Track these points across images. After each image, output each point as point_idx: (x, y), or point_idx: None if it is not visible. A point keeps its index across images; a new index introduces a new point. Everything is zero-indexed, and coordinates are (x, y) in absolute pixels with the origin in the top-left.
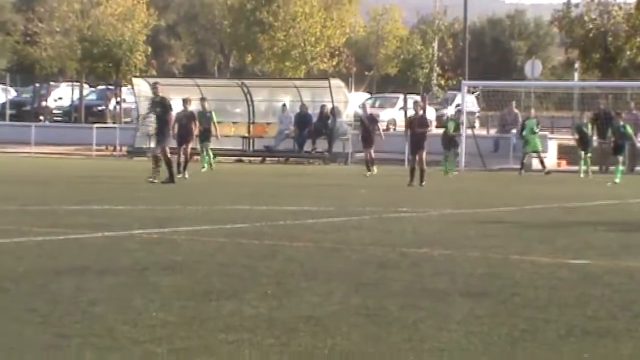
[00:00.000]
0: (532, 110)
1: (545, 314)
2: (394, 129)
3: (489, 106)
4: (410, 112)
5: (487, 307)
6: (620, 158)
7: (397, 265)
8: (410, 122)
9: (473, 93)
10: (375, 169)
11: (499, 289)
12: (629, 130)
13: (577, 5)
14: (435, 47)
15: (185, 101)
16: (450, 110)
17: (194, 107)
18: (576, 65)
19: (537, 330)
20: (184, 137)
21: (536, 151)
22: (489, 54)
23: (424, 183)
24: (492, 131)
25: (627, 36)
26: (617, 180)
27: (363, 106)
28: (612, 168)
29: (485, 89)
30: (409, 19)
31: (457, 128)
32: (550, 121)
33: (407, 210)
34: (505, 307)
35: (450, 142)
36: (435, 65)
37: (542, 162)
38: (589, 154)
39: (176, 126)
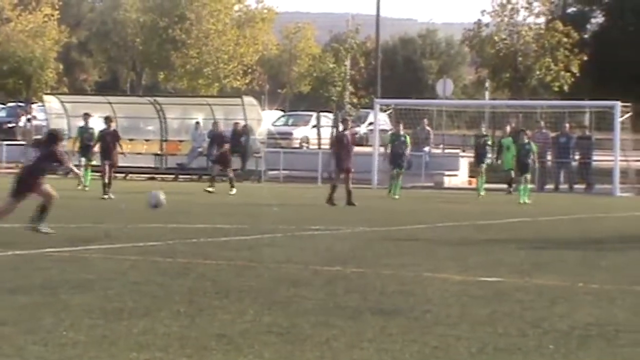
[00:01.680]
0: (507, 128)
1: (456, 331)
2: (307, 147)
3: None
4: (332, 129)
5: (399, 325)
6: (528, 177)
7: (309, 283)
8: (338, 140)
9: (385, 111)
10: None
11: (410, 307)
12: (534, 148)
13: (487, 25)
14: (348, 66)
15: (108, 119)
16: (362, 129)
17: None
18: (487, 84)
19: (448, 348)
20: (106, 155)
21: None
22: (401, 72)
23: (356, 203)
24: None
25: (537, 56)
26: (527, 200)
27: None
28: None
29: (397, 108)
30: (321, 38)
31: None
32: (461, 140)
33: (320, 228)
34: (417, 324)
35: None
36: (348, 83)
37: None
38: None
39: (98, 145)
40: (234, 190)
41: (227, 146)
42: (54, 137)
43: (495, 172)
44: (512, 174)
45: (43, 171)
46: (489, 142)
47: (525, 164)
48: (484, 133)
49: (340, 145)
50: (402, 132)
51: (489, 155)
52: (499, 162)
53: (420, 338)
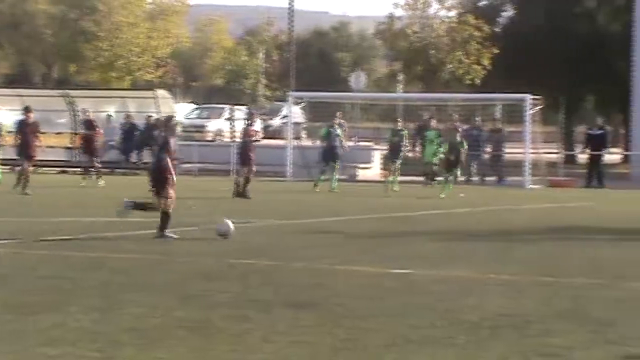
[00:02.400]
0: (433, 122)
1: (368, 323)
2: (221, 140)
3: (315, 117)
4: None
5: (311, 317)
6: (458, 173)
7: (223, 276)
8: (246, 132)
9: (299, 104)
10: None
11: (323, 299)
12: (465, 146)
13: (400, 19)
14: (262, 58)
15: (27, 109)
16: (277, 121)
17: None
18: (399, 77)
19: (359, 340)
20: (24, 149)
21: (431, 162)
22: (314, 65)
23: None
24: (319, 142)
25: (449, 49)
26: (443, 195)
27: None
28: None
29: (311, 100)
30: (235, 30)
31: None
32: (374, 132)
33: (235, 221)
34: (330, 316)
35: (333, 152)
36: (262, 76)
37: (433, 173)
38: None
39: (18, 137)
40: (102, 182)
41: (96, 134)
42: None
43: (412, 165)
44: (434, 167)
45: None
46: (405, 137)
47: (455, 160)
48: (400, 128)
49: (247, 140)
50: (336, 126)
51: (405, 149)
52: (416, 153)
53: (332, 330)
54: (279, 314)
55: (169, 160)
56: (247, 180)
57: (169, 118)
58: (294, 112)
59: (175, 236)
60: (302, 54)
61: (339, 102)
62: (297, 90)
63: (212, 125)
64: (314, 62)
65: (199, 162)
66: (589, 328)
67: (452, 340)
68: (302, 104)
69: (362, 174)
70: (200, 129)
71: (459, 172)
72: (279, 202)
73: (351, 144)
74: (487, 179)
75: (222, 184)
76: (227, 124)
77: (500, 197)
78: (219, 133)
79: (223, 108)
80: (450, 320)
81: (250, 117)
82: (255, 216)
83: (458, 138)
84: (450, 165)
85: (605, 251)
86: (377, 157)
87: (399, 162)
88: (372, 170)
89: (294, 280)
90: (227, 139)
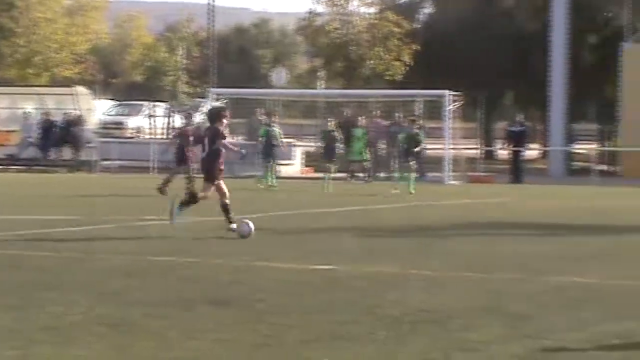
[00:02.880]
0: (361, 119)
1: (289, 319)
2: (141, 137)
3: (236, 114)
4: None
5: (232, 315)
6: (413, 165)
7: (143, 273)
8: (182, 132)
9: (220, 101)
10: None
11: (244, 296)
12: (422, 137)
13: (320, 15)
14: (182, 55)
15: None
16: (197, 118)
17: None
18: (321, 73)
19: (281, 336)
20: None
21: (359, 160)
22: (235, 62)
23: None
24: (240, 138)
25: (369, 46)
26: (413, 190)
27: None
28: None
29: (232, 97)
30: (155, 27)
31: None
32: (296, 129)
33: (154, 218)
34: (251, 313)
35: (271, 150)
36: (182, 72)
37: (364, 170)
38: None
39: None
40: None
41: None
42: None
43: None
44: (365, 164)
45: None
46: (337, 137)
47: (412, 152)
48: (332, 128)
49: (183, 139)
50: (274, 125)
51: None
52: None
53: (253, 327)
54: (199, 311)
55: (221, 149)
56: (190, 180)
57: (222, 108)
58: None
59: (183, 220)
60: (223, 50)
61: (260, 98)
62: (217, 87)
63: (132, 122)
64: (235, 58)
65: (118, 159)
66: (507, 322)
67: (374, 336)
68: (223, 101)
69: (284, 171)
70: (120, 125)
71: (414, 165)
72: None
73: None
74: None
75: (141, 181)
76: (146, 121)
77: (421, 193)
78: (138, 130)
79: (143, 105)
80: (372, 315)
81: (188, 117)
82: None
83: (415, 129)
84: (407, 156)
85: (524, 246)
86: (299, 153)
87: (335, 161)
88: (294, 167)
89: (215, 277)
90: (147, 136)
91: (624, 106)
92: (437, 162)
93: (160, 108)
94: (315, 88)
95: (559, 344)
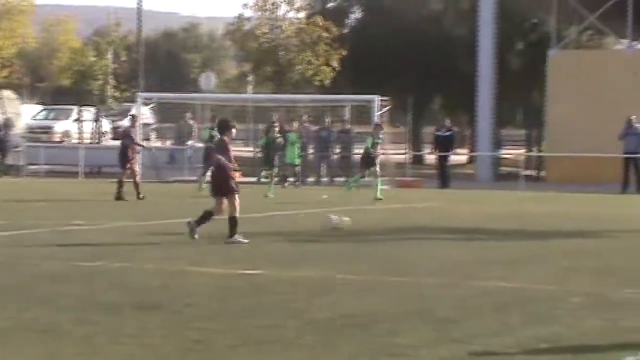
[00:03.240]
0: (295, 124)
1: (217, 324)
2: (69, 141)
3: (164, 118)
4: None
5: (160, 319)
6: (377, 169)
7: (70, 279)
8: (127, 133)
9: (148, 105)
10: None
11: (172, 301)
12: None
13: (249, 19)
14: (110, 59)
15: None
16: (125, 122)
17: None
18: (249, 78)
19: (208, 341)
20: None
21: (293, 164)
22: (164, 66)
23: (142, 195)
24: (168, 143)
25: (298, 50)
26: (380, 196)
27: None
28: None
29: (160, 101)
30: (83, 31)
31: (374, 145)
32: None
33: (83, 223)
34: (178, 318)
35: (368, 160)
36: (110, 77)
37: (295, 175)
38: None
39: None
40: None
41: None
42: None
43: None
44: (296, 169)
45: None
46: (281, 143)
47: (372, 157)
48: (277, 136)
49: (127, 139)
50: (277, 134)
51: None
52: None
53: (181, 332)
54: (127, 316)
55: (227, 161)
56: (122, 183)
57: (229, 120)
58: (143, 113)
59: (245, 240)
60: (152, 54)
61: (189, 102)
62: (146, 91)
63: (60, 126)
64: (164, 63)
65: (46, 164)
66: (434, 327)
67: (301, 341)
68: (152, 105)
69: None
70: (48, 130)
71: (377, 169)
72: (129, 203)
73: (201, 145)
74: (336, 179)
75: (69, 186)
76: (74, 125)
77: (350, 197)
78: (66, 134)
79: (71, 109)
80: (300, 320)
81: (132, 121)
82: (104, 218)
83: (381, 135)
84: (367, 163)
85: (451, 251)
86: None
87: (276, 169)
88: None
89: (142, 282)
90: (75, 141)
91: (550, 112)
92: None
93: (89, 112)
94: (244, 93)
95: (487, 348)
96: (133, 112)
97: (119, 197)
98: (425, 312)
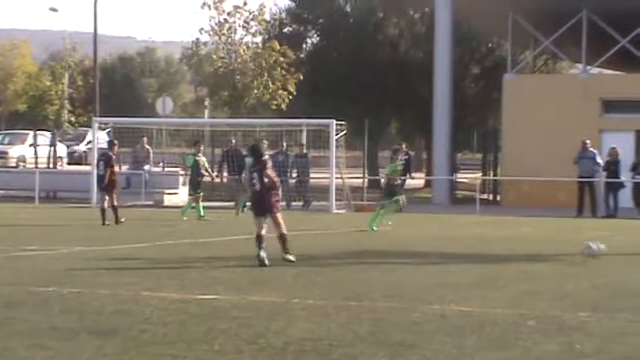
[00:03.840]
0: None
1: (174, 349)
2: (24, 166)
3: (121, 143)
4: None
5: (116, 345)
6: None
7: (24, 304)
8: (107, 159)
9: (104, 129)
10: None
11: (128, 326)
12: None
13: (206, 44)
14: (66, 84)
15: None
16: (82, 147)
17: None
18: (206, 102)
19: None
20: None
21: None
22: (120, 90)
23: (122, 220)
24: (124, 168)
25: (254, 75)
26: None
27: None
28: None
29: (116, 126)
30: (38, 55)
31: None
32: (182, 158)
33: (37, 248)
34: (134, 344)
35: (394, 189)
36: (66, 101)
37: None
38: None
39: None
40: None
41: None
42: None
43: (217, 191)
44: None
45: None
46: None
47: (396, 185)
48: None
49: (107, 161)
50: (201, 154)
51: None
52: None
53: (137, 357)
54: (82, 341)
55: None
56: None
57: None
58: (100, 138)
59: (293, 259)
60: (108, 79)
61: (144, 127)
62: (102, 116)
63: (15, 151)
64: (120, 87)
65: (1, 189)
66: (391, 351)
67: None
68: (108, 130)
69: (168, 200)
70: (3, 155)
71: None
72: (84, 228)
73: (158, 169)
74: (294, 203)
75: (24, 211)
76: (30, 150)
77: (307, 221)
78: (22, 159)
79: (26, 134)
80: (255, 345)
81: (110, 143)
82: (59, 243)
83: (401, 159)
84: (394, 190)
85: (407, 274)
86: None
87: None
88: (179, 196)
89: (98, 307)
90: (30, 165)
91: (505, 136)
92: (323, 191)
93: (44, 137)
94: (201, 117)
95: None
96: (110, 138)
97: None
98: (382, 337)
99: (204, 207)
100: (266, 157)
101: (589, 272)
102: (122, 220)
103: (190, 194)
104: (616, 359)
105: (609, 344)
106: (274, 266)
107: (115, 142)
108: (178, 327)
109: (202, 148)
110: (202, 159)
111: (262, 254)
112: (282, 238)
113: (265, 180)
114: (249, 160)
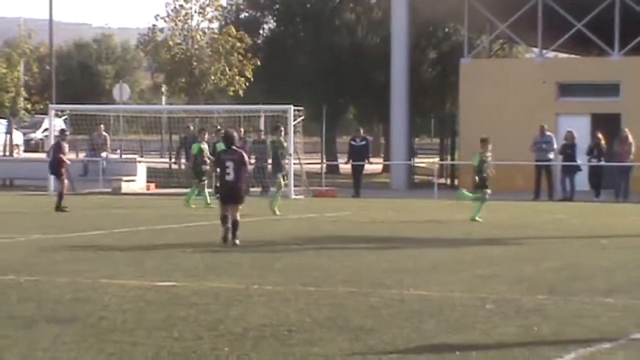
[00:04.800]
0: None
1: (132, 337)
2: None
3: (78, 130)
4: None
5: (75, 333)
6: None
7: None
8: (59, 148)
9: (61, 117)
10: None
11: (87, 314)
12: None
13: (162, 30)
14: (22, 71)
15: None
16: (38, 135)
17: None
18: (163, 89)
19: (124, 354)
20: None
21: None
22: (76, 77)
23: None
24: (82, 155)
25: (211, 61)
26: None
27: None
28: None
29: (73, 113)
30: None
31: (482, 162)
32: (139, 144)
33: None
34: (93, 331)
35: (483, 182)
36: (22, 89)
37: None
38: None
39: None
40: None
41: None
42: None
43: (176, 177)
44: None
45: None
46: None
47: (485, 177)
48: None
49: (62, 153)
50: (204, 142)
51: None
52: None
53: (96, 345)
54: (40, 329)
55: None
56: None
57: (231, 133)
58: (56, 125)
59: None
60: (64, 66)
61: (101, 114)
62: (58, 103)
63: None
64: (76, 74)
65: None
66: (350, 336)
67: (217, 352)
68: (64, 117)
69: (126, 187)
70: None
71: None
72: (42, 216)
73: (115, 157)
74: (252, 189)
75: None
76: None
77: (265, 208)
78: None
79: None
80: (215, 331)
81: (61, 134)
82: (15, 232)
83: (489, 153)
84: (483, 183)
85: (365, 259)
86: (142, 169)
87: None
88: (137, 183)
89: (56, 295)
90: None
91: (462, 120)
92: None
93: (0, 125)
94: (158, 104)
95: (402, 356)
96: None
97: (58, 208)
98: (340, 322)
99: (207, 194)
100: (241, 149)
101: (547, 255)
102: (66, 209)
103: (195, 181)
104: (573, 341)
105: (566, 326)
106: (232, 252)
107: (67, 131)
108: (137, 315)
109: (206, 136)
110: (205, 147)
111: (228, 233)
112: (235, 224)
113: (241, 172)
114: (219, 146)
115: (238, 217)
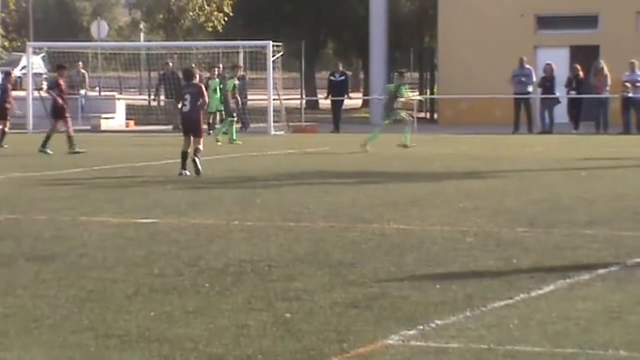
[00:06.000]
0: (215, 70)
1: (112, 274)
2: None
3: (55, 67)
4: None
5: (54, 270)
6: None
7: None
8: (57, 83)
9: (39, 54)
10: None
11: (66, 251)
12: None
13: None
14: None
15: None
16: (16, 72)
17: None
18: (141, 25)
19: (104, 291)
20: None
21: (219, 111)
22: (54, 14)
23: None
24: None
25: None
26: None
27: None
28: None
29: (51, 50)
30: None
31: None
32: (118, 81)
33: None
34: (73, 269)
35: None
36: None
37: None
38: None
39: None
40: None
41: None
42: None
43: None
44: (218, 115)
45: None
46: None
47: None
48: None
49: (57, 90)
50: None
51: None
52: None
53: (76, 282)
54: (20, 267)
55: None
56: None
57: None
58: (34, 63)
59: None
60: (41, 3)
61: (80, 51)
62: (36, 41)
63: None
64: (54, 11)
65: None
66: (330, 271)
67: (197, 288)
68: (42, 55)
69: (105, 124)
70: None
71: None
72: (21, 155)
73: (94, 94)
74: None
75: None
76: None
77: (245, 144)
78: None
79: None
80: (195, 267)
81: (60, 69)
82: None
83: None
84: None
85: (345, 194)
86: (121, 107)
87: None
88: (116, 120)
89: (36, 233)
90: None
91: (441, 54)
92: (260, 113)
93: None
94: (136, 40)
95: (382, 290)
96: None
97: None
98: (320, 257)
99: (236, 130)
100: (200, 81)
101: (527, 187)
102: (5, 145)
103: (229, 117)
104: (552, 273)
105: (545, 258)
106: (213, 189)
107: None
108: (117, 252)
109: (238, 73)
110: (236, 83)
111: (185, 172)
112: (197, 151)
113: (198, 103)
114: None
115: (201, 147)
